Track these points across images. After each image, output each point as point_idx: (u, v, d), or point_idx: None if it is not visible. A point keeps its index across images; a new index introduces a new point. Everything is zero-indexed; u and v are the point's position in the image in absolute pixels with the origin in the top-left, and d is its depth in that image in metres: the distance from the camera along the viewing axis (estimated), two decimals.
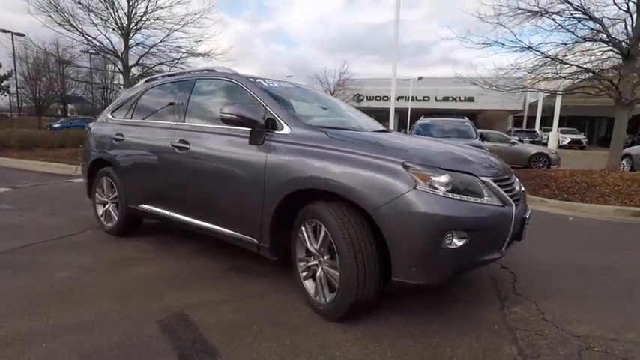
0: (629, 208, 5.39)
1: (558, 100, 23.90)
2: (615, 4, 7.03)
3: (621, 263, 3.22)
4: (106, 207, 3.66)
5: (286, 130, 2.35)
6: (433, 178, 1.84)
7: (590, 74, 7.70)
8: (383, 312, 2.22)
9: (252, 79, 2.76)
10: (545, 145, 22.70)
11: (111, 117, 3.74)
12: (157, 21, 10.75)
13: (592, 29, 7.47)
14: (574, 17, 7.71)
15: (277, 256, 2.44)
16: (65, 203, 4.99)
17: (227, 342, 1.88)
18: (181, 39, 11.01)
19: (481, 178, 1.97)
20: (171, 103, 3.20)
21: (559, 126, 26.26)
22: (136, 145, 3.24)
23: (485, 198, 1.93)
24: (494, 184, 2.02)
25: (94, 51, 11.21)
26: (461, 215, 1.81)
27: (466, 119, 8.82)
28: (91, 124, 4.06)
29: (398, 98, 35.87)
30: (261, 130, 2.38)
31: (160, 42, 11.00)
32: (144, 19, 10.63)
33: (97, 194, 3.74)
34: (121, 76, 11.53)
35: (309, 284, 2.28)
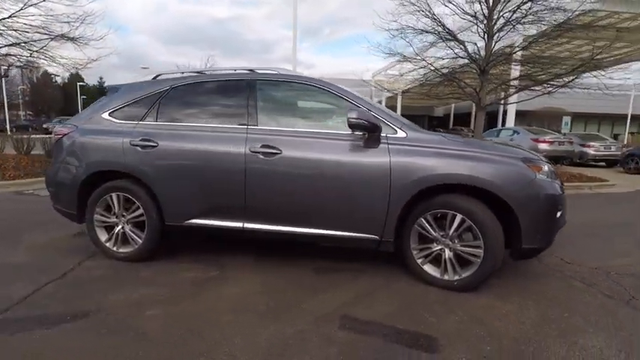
0: None
1: (399, 100, 29.05)
2: (478, 32, 9.31)
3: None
4: (117, 229, 3.00)
5: (401, 133, 2.60)
6: (543, 168, 2.48)
7: (462, 83, 9.96)
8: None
9: (339, 85, 2.83)
10: None
11: (114, 120, 3.03)
12: None
13: (461, 49, 9.67)
14: (446, 38, 9.83)
15: (395, 249, 2.67)
16: None
17: (423, 326, 2.09)
18: (43, 16, 8.65)
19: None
20: (224, 106, 2.91)
21: None
22: (184, 152, 2.80)
23: (556, 180, 2.69)
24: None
25: None
26: (561, 193, 2.51)
27: None
28: (64, 128, 3.16)
29: None
30: (379, 134, 2.56)
31: (9, 17, 8.39)
32: None
33: (97, 215, 3.01)
34: None
35: (429, 268, 2.63)
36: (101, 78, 57.34)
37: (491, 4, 9.34)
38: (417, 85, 12.27)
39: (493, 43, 9.50)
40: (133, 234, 2.98)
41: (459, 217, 2.46)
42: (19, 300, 2.31)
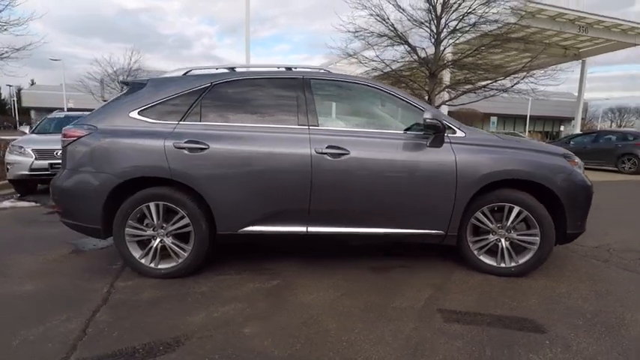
0: None
1: None
2: (430, 39, 10.05)
3: None
4: (155, 243, 2.66)
5: (460, 133, 2.74)
6: (578, 163, 2.84)
7: (415, 85, 10.68)
8: None
9: (392, 87, 2.88)
10: None
11: (147, 119, 2.67)
12: None
13: (412, 52, 10.37)
14: (399, 42, 10.45)
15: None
16: None
17: (514, 310, 2.26)
18: None
19: None
20: (278, 105, 2.77)
21: None
22: (241, 154, 2.59)
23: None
24: None
25: None
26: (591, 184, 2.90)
27: None
28: (77, 130, 2.69)
29: None
30: (444, 134, 2.67)
31: None
32: None
33: (129, 228, 2.64)
34: None
35: (484, 258, 2.83)
36: None
37: (438, 13, 10.18)
38: None
39: (442, 49, 10.36)
40: (176, 247, 2.67)
41: (516, 209, 2.69)
42: (78, 335, 1.94)
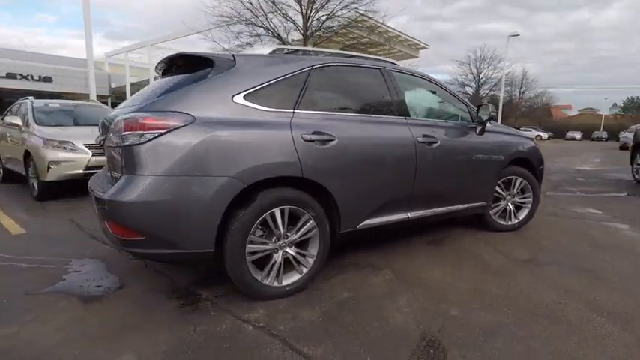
0: None
1: None
2: (300, 32, 10.64)
3: None
4: (278, 256, 2.22)
5: (488, 124, 3.44)
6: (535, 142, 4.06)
7: None
8: None
9: (444, 83, 3.27)
10: None
11: (257, 107, 2.11)
12: None
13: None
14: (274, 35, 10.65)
15: None
16: None
17: (553, 253, 3.17)
18: None
19: None
20: (373, 94, 2.74)
21: None
22: (365, 145, 2.46)
23: None
24: None
25: None
26: None
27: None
28: (162, 119, 1.86)
29: None
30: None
31: None
32: None
33: (250, 245, 2.10)
34: None
35: (498, 219, 3.69)
36: None
37: (304, 11, 10.91)
38: None
39: (311, 45, 11.16)
40: (300, 257, 2.30)
41: (519, 180, 3.64)
42: None
